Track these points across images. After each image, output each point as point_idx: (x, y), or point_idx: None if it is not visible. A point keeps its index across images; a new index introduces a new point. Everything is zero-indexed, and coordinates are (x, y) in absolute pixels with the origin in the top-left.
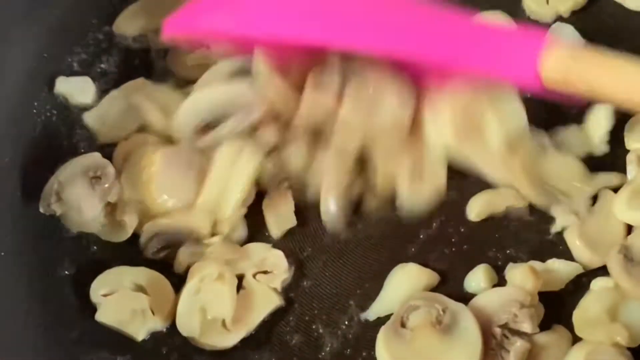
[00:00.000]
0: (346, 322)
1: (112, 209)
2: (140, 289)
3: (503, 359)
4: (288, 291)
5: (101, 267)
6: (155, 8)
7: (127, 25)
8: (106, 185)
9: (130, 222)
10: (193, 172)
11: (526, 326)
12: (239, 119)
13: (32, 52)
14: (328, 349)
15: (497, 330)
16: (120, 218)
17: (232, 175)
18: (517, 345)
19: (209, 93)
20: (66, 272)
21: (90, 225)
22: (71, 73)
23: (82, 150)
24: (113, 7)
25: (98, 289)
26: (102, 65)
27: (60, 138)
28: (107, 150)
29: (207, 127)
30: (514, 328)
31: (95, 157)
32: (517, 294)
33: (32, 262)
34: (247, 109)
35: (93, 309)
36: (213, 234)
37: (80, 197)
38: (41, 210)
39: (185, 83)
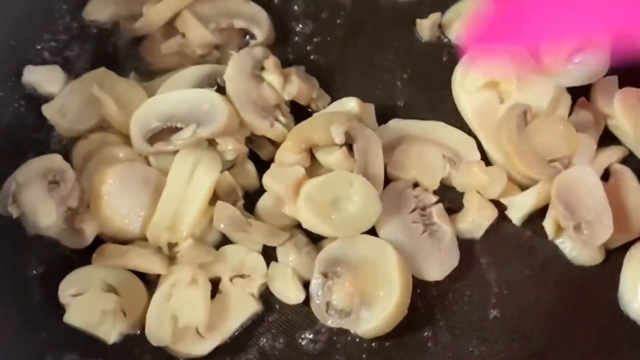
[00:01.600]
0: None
1: (72, 213)
2: (111, 289)
3: None
4: (266, 295)
5: (71, 265)
6: None
7: (98, 11)
8: (65, 192)
9: (89, 230)
10: (148, 191)
11: None
12: (200, 128)
13: None
14: (308, 355)
15: None
16: (79, 226)
17: (188, 190)
18: None
19: (173, 95)
20: (34, 272)
21: (47, 230)
22: (41, 62)
23: (52, 143)
24: None
25: (66, 288)
26: (73, 54)
27: (29, 129)
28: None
29: (162, 133)
30: None
31: (55, 159)
32: None
33: None
34: (209, 118)
35: (62, 309)
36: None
37: (36, 202)
38: None
39: (152, 74)
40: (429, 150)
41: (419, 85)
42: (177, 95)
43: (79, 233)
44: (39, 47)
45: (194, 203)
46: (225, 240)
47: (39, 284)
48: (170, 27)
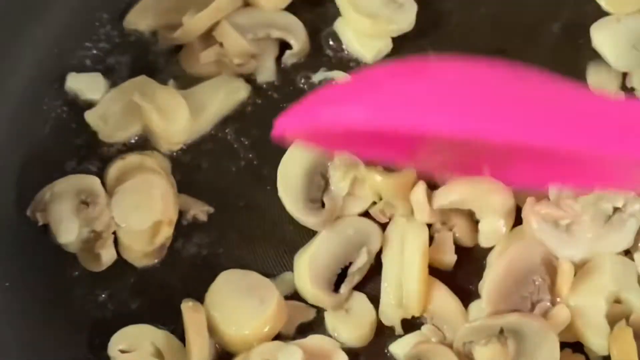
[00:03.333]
0: None
1: (95, 236)
2: (158, 353)
3: None
4: None
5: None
6: (166, 3)
7: (138, 20)
8: (92, 215)
9: (105, 257)
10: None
11: None
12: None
13: (43, 47)
14: None
15: None
16: (98, 251)
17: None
18: None
19: (326, 247)
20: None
21: (66, 247)
22: (83, 69)
23: (92, 151)
24: (125, 3)
25: (117, 343)
26: (114, 61)
27: (71, 135)
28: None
29: None
30: None
31: (93, 182)
32: None
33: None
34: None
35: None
36: None
37: (62, 217)
38: (28, 213)
39: (190, 82)
40: None
41: None
42: (329, 242)
43: (96, 257)
44: (81, 54)
45: (412, 273)
46: None
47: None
48: (208, 37)
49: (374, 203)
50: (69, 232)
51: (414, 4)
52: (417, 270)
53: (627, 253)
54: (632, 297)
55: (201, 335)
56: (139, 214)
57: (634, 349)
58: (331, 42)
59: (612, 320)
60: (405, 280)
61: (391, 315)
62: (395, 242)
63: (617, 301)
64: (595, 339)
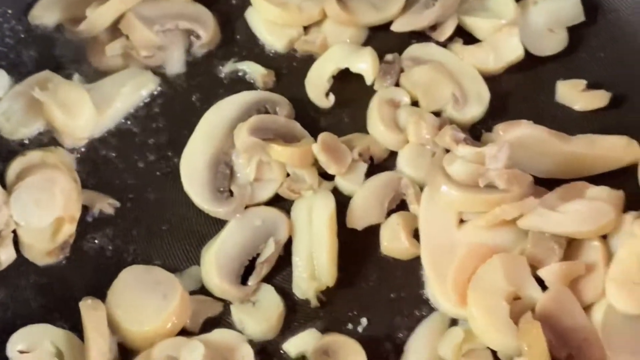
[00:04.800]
0: None
1: None
2: (58, 352)
3: None
4: None
5: None
6: None
7: (44, 14)
8: None
9: (4, 256)
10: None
11: None
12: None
13: None
14: None
15: None
16: None
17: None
18: None
19: (232, 236)
20: None
21: None
22: None
23: None
24: None
25: (16, 343)
26: (19, 57)
27: None
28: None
29: None
30: None
31: None
32: None
33: None
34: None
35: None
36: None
37: None
38: None
39: (98, 76)
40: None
41: None
42: (237, 234)
43: None
44: None
45: (322, 243)
46: None
47: None
48: (114, 30)
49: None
50: None
51: None
52: (326, 240)
53: None
54: (531, 292)
55: (100, 333)
56: (39, 211)
57: (543, 339)
58: (242, 32)
59: (515, 318)
60: (316, 251)
61: (305, 288)
62: (303, 215)
63: (516, 298)
64: (505, 339)
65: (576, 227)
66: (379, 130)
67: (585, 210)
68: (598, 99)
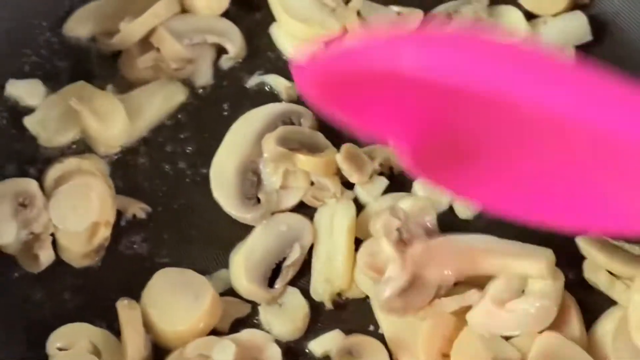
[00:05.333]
0: None
1: (34, 238)
2: (95, 350)
3: None
4: None
5: None
6: (105, 10)
7: (78, 27)
8: (30, 216)
9: (44, 258)
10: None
11: None
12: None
13: None
14: None
15: None
16: (36, 252)
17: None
18: None
19: (259, 242)
20: None
21: (5, 248)
22: (22, 75)
23: (32, 155)
24: (64, 11)
25: (55, 341)
26: (53, 68)
27: (11, 141)
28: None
29: None
30: None
31: (30, 185)
32: None
33: None
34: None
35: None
36: None
37: (0, 219)
38: None
39: (129, 87)
40: None
41: None
42: (263, 239)
43: (35, 258)
44: (20, 61)
45: (340, 249)
46: None
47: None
48: (146, 43)
49: None
50: (7, 234)
51: (346, 8)
52: (343, 245)
53: None
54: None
55: (137, 332)
56: (76, 215)
57: None
58: (267, 46)
59: None
60: (333, 256)
61: (320, 291)
62: (325, 221)
63: None
64: None
65: (523, 328)
66: None
67: (533, 311)
68: None
